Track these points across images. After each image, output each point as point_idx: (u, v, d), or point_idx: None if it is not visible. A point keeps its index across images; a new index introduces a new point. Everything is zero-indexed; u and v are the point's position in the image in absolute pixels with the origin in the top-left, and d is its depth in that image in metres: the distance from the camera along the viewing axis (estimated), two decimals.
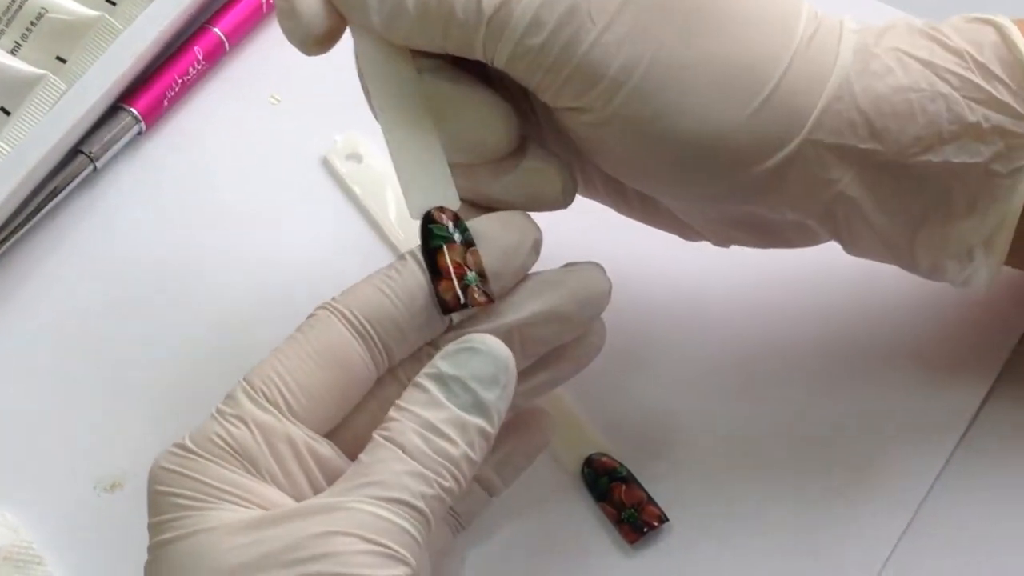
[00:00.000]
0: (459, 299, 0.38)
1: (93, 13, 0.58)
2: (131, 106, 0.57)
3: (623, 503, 0.49)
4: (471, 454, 0.37)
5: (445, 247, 0.38)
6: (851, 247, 0.42)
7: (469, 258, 0.38)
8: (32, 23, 0.57)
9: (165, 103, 0.58)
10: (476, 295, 0.38)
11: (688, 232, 0.45)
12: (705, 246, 0.48)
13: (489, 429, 0.38)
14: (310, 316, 0.40)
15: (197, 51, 0.59)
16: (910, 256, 0.41)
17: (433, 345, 0.40)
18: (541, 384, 0.43)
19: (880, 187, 0.40)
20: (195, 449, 0.38)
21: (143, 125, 0.58)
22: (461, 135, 0.40)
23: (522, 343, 0.41)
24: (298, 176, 0.57)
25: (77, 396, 0.52)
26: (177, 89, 0.58)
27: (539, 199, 0.42)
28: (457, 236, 0.39)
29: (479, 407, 0.38)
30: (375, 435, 0.38)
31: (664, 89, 0.38)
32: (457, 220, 0.39)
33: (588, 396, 0.50)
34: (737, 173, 0.39)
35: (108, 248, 0.55)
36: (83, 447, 0.51)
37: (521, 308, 0.41)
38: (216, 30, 0.59)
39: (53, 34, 0.57)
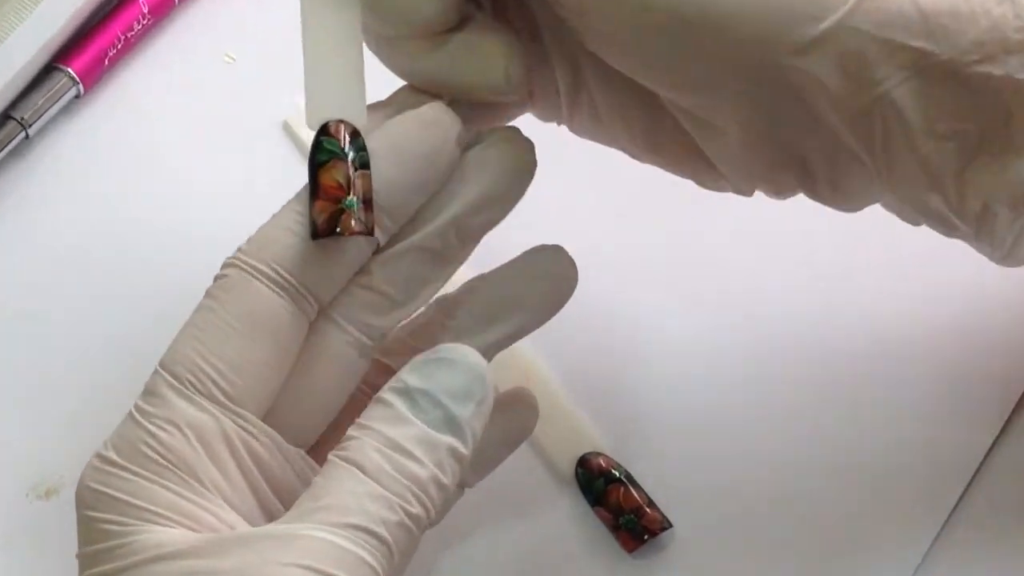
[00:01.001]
0: (331, 224, 0.36)
1: None
2: (67, 66, 0.55)
3: (621, 508, 0.47)
4: (441, 477, 0.35)
5: (331, 163, 0.36)
6: (887, 175, 0.38)
7: (356, 181, 0.36)
8: None
9: (106, 63, 0.55)
10: (351, 222, 0.36)
11: (702, 170, 0.41)
12: (713, 239, 0.48)
13: (462, 449, 0.36)
14: (220, 278, 0.37)
15: (142, 4, 0.56)
16: (956, 194, 0.37)
17: (365, 272, 0.38)
18: (503, 338, 0.41)
19: (930, 99, 0.36)
20: (122, 463, 0.35)
21: (81, 87, 0.55)
22: (391, 1, 0.38)
23: (460, 239, 0.39)
24: (256, 143, 0.55)
25: (6, 393, 0.51)
26: (119, 47, 0.56)
27: (477, 81, 0.39)
28: (350, 154, 0.36)
29: (450, 424, 0.36)
30: (331, 456, 0.36)
31: None
32: (355, 138, 0.37)
33: (581, 387, 0.49)
34: (756, 50, 0.35)
35: (41, 225, 0.53)
36: (15, 451, 0.49)
37: (452, 200, 0.39)
38: None
39: None
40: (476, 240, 0.40)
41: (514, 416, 0.44)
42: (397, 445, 0.35)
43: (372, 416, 0.36)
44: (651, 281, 0.51)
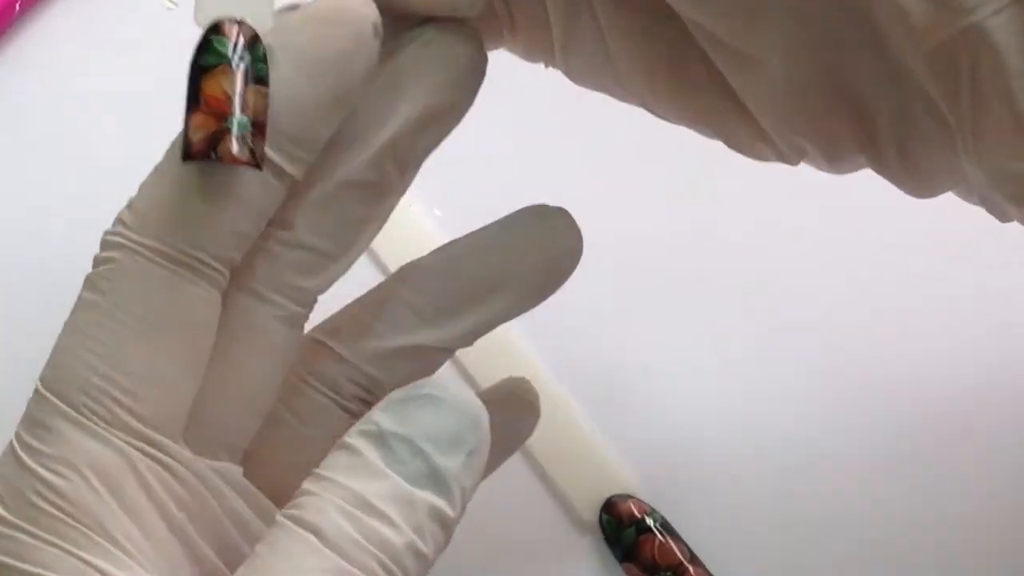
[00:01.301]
0: (208, 145, 0.32)
1: None
2: None
3: (656, 564, 0.45)
4: (419, 544, 0.32)
5: (219, 68, 0.33)
6: (972, 136, 0.33)
7: (249, 96, 0.33)
8: None
9: (16, 8, 0.53)
10: (232, 147, 0.32)
11: (736, 125, 0.37)
12: (757, 250, 0.48)
13: (447, 511, 0.32)
14: (102, 263, 0.33)
15: None
16: None
17: (278, 225, 0.35)
18: (482, 324, 0.38)
19: None
20: (8, 518, 0.32)
21: None
22: None
23: (400, 166, 0.36)
24: None
25: None
26: None
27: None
28: (243, 63, 0.33)
29: (434, 478, 0.32)
30: (279, 516, 0.32)
31: None
32: (254, 45, 0.33)
33: (607, 415, 0.47)
34: None
35: None
36: None
37: (385, 118, 0.36)
38: None
39: None
40: (418, 164, 0.36)
41: (507, 413, 0.40)
42: (365, 503, 0.32)
43: (334, 465, 0.33)
44: (694, 293, 0.49)
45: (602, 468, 0.47)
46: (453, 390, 0.33)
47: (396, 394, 0.33)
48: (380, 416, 0.33)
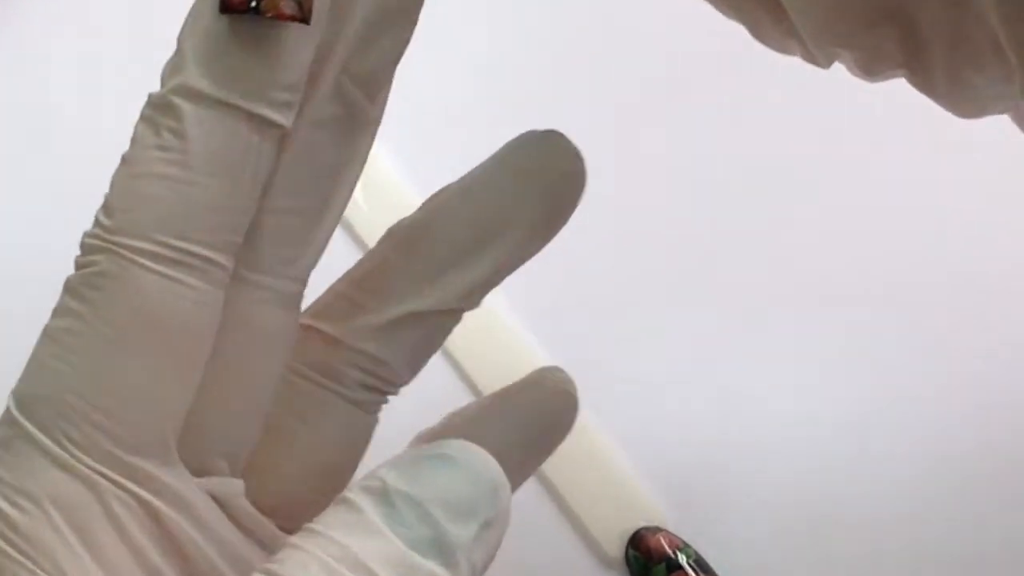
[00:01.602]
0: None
1: None
2: None
3: None
4: None
5: None
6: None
7: None
8: None
9: None
10: (286, 3, 0.29)
11: (765, 16, 0.32)
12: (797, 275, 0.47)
13: None
14: (85, 268, 0.30)
15: None
16: None
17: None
18: (483, 279, 0.34)
19: None
20: None
21: None
22: None
23: (365, 87, 0.32)
24: None
25: None
26: None
27: None
28: None
29: (440, 548, 0.28)
30: (255, 573, 0.28)
31: None
32: None
33: (634, 438, 0.46)
34: None
35: None
36: None
37: (334, 38, 0.32)
38: None
39: None
40: (387, 82, 0.32)
41: (542, 404, 0.36)
42: (358, 564, 0.28)
43: (329, 520, 0.28)
44: (727, 312, 0.48)
45: (628, 498, 0.46)
46: (472, 453, 0.29)
47: (408, 452, 0.30)
48: (387, 472, 0.29)
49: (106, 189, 0.34)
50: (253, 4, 0.29)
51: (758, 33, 0.33)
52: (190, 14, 0.32)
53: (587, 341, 0.46)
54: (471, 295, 0.34)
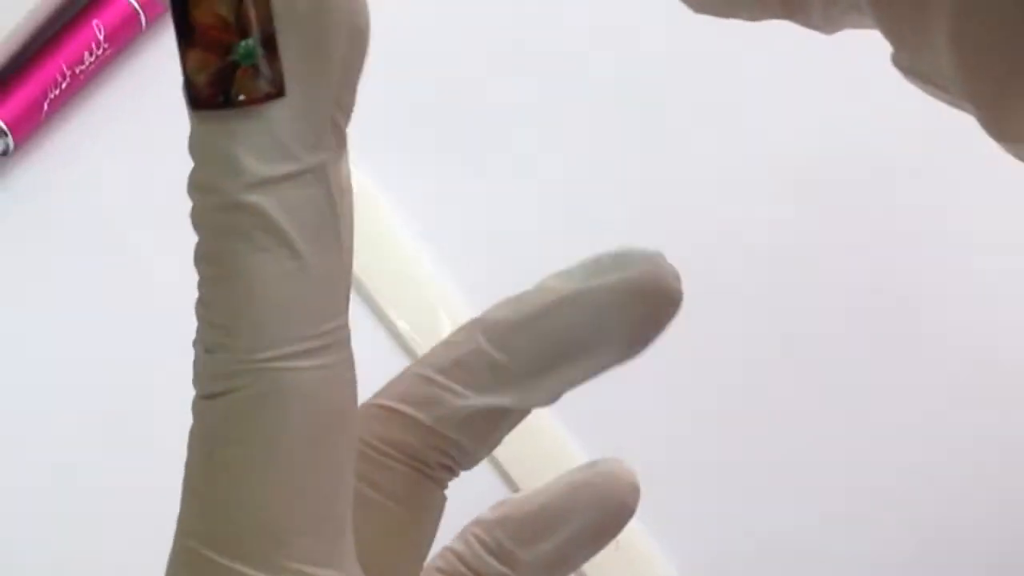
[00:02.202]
0: (226, 89, 0.29)
1: None
2: None
3: None
4: None
5: None
6: (905, 57, 0.33)
7: (250, 9, 0.29)
8: None
9: (45, 107, 0.52)
10: (257, 84, 0.29)
11: None
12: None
13: None
14: (239, 396, 0.31)
15: (97, 27, 0.52)
16: (998, 114, 0.32)
17: None
18: (571, 381, 0.37)
19: None
20: None
21: (11, 141, 0.51)
22: None
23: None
24: None
25: None
26: (65, 85, 0.52)
27: None
28: None
29: None
30: None
31: None
32: None
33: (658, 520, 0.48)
34: None
35: None
36: None
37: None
38: None
39: None
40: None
41: (606, 496, 0.39)
42: None
43: None
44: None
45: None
46: None
47: None
48: None
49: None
50: (221, 99, 0.28)
51: None
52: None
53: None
54: (550, 398, 0.36)
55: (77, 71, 0.52)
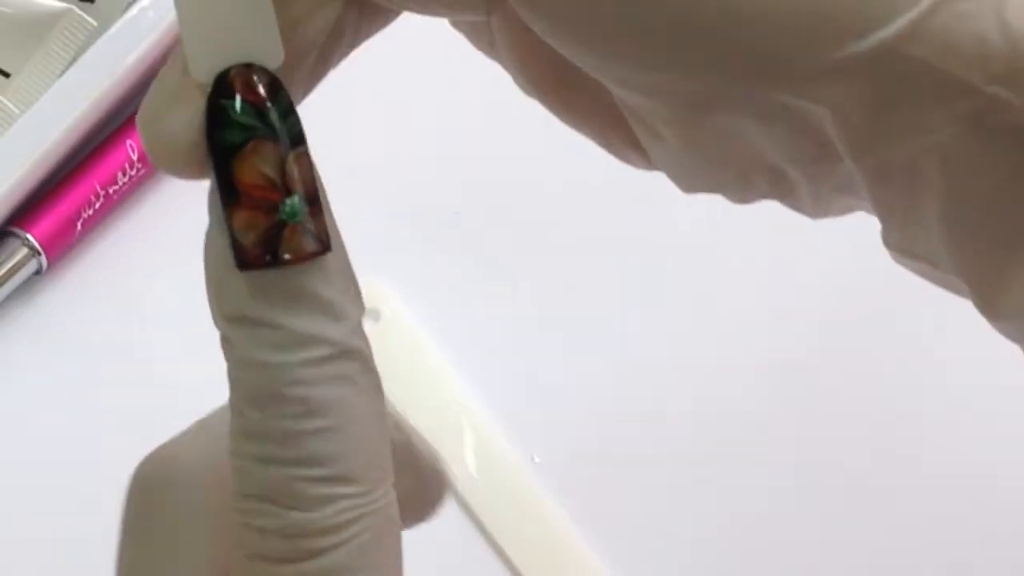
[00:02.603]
0: (273, 248, 0.28)
1: None
2: (26, 231, 0.51)
3: None
4: None
5: (251, 145, 0.28)
6: (894, 235, 0.33)
7: (295, 167, 0.29)
8: None
9: (78, 228, 0.52)
10: (300, 240, 0.28)
11: (627, 150, 0.36)
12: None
13: None
14: (358, 543, 0.31)
15: (131, 147, 0.53)
16: (988, 292, 0.33)
17: None
18: None
19: (982, 165, 0.31)
20: None
21: (44, 260, 0.51)
22: None
23: None
24: None
25: None
26: (99, 205, 0.52)
27: None
28: (274, 123, 0.29)
29: None
30: None
31: None
32: (276, 93, 0.29)
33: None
34: (765, 58, 0.31)
35: None
36: None
37: None
38: None
39: None
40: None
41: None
42: None
43: None
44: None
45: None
46: None
47: None
48: None
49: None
50: (269, 258, 0.29)
51: (620, 156, 0.36)
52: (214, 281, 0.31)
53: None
54: None
55: (110, 191, 0.52)
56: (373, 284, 0.52)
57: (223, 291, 0.31)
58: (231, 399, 0.31)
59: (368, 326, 0.48)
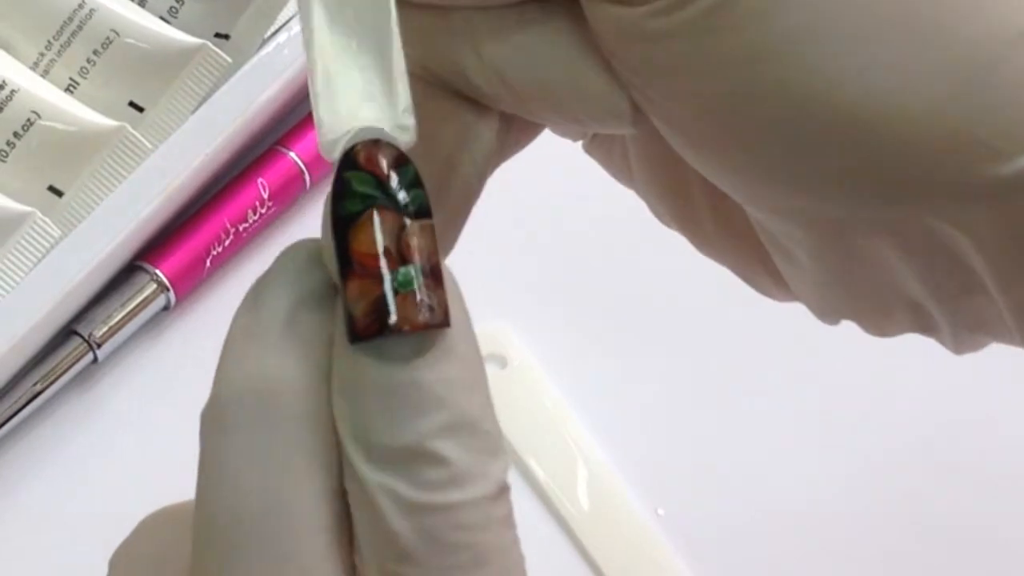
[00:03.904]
0: (383, 317, 0.27)
1: (109, 123, 0.50)
2: (155, 266, 0.51)
3: None
4: None
5: (367, 214, 0.27)
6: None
7: (414, 238, 0.28)
8: (16, 134, 0.51)
9: (207, 264, 0.52)
10: (417, 310, 0.27)
11: (767, 282, 0.35)
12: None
13: None
14: None
15: (262, 185, 0.53)
16: None
17: None
18: None
19: None
20: None
21: (172, 296, 0.51)
22: None
23: None
24: None
25: None
26: (228, 242, 0.52)
27: (578, 96, 0.31)
28: (398, 195, 0.28)
29: None
30: None
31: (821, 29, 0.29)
32: (403, 167, 0.28)
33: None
34: (913, 183, 0.30)
35: (108, 476, 0.50)
36: None
37: None
38: (292, 154, 0.53)
39: (45, 152, 0.51)
40: None
41: None
42: None
43: None
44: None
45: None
46: None
47: None
48: None
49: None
50: (391, 323, 0.27)
51: (760, 290, 0.35)
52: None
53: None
54: None
55: (240, 228, 0.52)
56: (500, 330, 0.52)
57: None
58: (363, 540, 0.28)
59: (493, 371, 0.46)
